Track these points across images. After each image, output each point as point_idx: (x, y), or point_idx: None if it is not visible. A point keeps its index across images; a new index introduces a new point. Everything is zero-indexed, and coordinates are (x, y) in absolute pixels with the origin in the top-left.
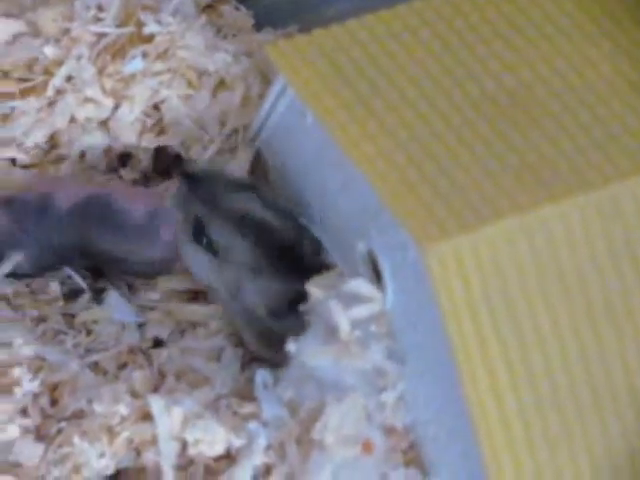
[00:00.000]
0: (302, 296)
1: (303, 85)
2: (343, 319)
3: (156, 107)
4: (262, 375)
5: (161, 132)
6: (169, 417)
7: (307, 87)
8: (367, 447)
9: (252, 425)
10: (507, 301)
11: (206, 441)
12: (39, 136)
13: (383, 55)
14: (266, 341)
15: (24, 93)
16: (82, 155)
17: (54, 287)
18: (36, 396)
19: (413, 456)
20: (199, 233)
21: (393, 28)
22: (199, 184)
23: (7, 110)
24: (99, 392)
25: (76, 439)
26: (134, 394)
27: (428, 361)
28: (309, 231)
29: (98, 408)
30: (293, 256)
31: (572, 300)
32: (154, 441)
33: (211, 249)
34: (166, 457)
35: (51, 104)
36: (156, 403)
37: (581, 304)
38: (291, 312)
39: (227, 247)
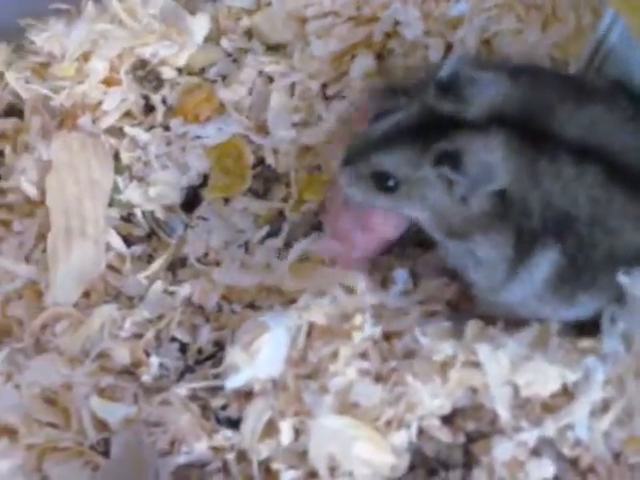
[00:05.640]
0: None
1: (634, 15)
2: None
3: (487, 42)
4: (610, 310)
5: None
6: (497, 363)
7: (638, 17)
8: None
9: (590, 360)
10: None
11: (538, 382)
12: None
13: None
14: None
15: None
16: None
17: None
18: (376, 341)
19: None
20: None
21: None
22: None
23: None
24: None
25: (409, 379)
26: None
27: None
28: None
29: (427, 346)
30: None
31: None
32: (486, 386)
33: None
34: (499, 401)
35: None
36: (482, 350)
37: None
38: None
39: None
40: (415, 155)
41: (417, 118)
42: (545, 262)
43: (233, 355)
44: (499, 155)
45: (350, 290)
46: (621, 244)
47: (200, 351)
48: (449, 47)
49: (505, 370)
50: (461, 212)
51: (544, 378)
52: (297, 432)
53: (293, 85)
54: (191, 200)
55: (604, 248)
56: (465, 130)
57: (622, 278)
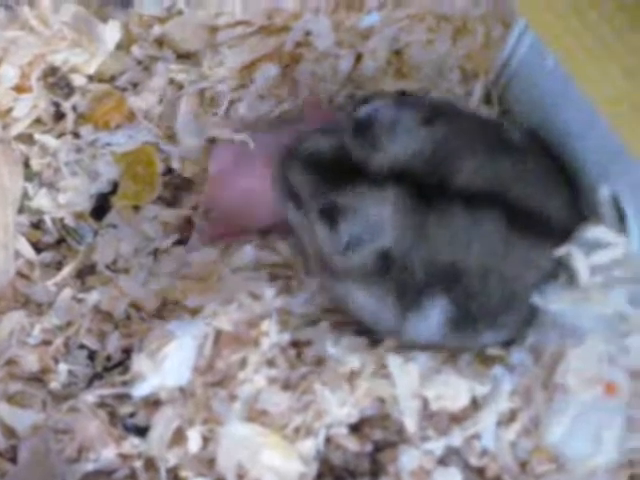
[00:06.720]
0: None
1: (544, 27)
2: (582, 265)
3: (398, 53)
4: None
5: (402, 77)
6: (407, 375)
7: (548, 29)
8: (610, 389)
9: (497, 370)
10: None
11: (448, 395)
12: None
13: None
14: None
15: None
16: None
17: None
18: (283, 348)
19: None
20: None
21: None
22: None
23: None
24: (337, 340)
25: (318, 387)
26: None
27: None
28: None
29: (336, 357)
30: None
31: None
32: (394, 397)
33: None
34: (408, 413)
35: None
36: (393, 361)
37: None
38: None
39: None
40: (314, 190)
41: (332, 153)
42: (436, 310)
43: (139, 363)
44: (385, 215)
45: (256, 296)
46: (521, 287)
47: (109, 358)
48: (359, 57)
49: (415, 383)
50: (341, 261)
51: (454, 392)
52: (205, 440)
53: (202, 93)
54: (101, 207)
55: (502, 295)
56: (360, 186)
57: (536, 299)
